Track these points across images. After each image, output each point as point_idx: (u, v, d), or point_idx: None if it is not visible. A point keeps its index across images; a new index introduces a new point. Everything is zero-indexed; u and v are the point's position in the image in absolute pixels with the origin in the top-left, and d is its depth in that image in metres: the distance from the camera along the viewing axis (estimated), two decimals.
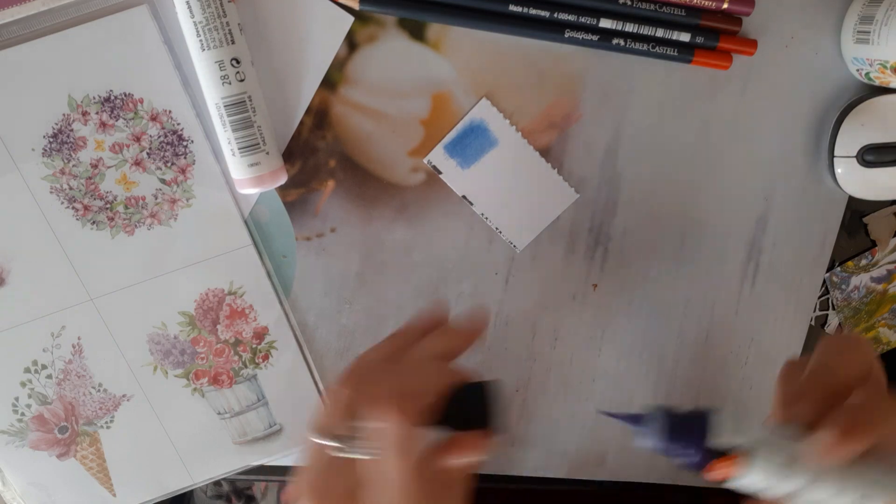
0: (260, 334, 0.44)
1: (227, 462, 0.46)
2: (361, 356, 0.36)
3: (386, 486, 0.31)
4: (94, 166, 0.40)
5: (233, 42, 0.37)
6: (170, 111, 0.39)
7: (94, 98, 0.39)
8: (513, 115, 0.42)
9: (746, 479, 0.31)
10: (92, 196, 0.40)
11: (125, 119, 0.39)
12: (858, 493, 0.30)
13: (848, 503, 0.30)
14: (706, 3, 0.40)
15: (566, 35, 0.40)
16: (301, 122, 0.41)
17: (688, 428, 0.32)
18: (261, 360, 0.45)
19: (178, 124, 0.40)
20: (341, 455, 0.32)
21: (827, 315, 0.50)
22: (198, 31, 0.36)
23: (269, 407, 0.45)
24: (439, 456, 0.32)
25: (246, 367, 0.45)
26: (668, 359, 0.46)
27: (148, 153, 0.40)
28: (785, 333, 0.46)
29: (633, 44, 0.40)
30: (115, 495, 0.45)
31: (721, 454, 0.31)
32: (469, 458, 0.33)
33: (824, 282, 0.49)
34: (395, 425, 0.30)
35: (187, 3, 0.36)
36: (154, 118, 0.39)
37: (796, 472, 0.30)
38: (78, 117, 0.39)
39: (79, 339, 0.43)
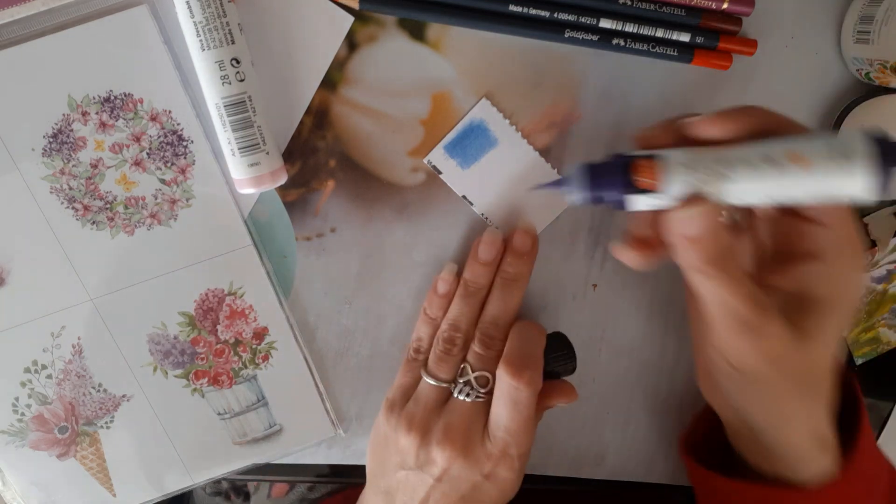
0: (260, 334, 0.44)
1: (227, 462, 0.46)
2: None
3: (499, 429, 0.39)
4: (94, 166, 0.40)
5: (233, 42, 0.37)
6: (170, 111, 0.39)
7: (93, 98, 0.39)
8: (513, 115, 0.42)
9: (666, 178, 0.32)
10: (92, 196, 0.40)
11: (125, 119, 0.39)
12: (757, 163, 0.31)
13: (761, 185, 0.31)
14: (706, 4, 0.40)
15: (566, 35, 0.40)
16: (301, 122, 0.41)
17: (609, 169, 0.34)
18: (261, 361, 0.45)
19: (178, 124, 0.40)
20: (459, 396, 0.40)
21: None
22: (198, 31, 0.36)
23: (269, 407, 0.45)
24: (542, 401, 0.41)
25: (246, 367, 0.45)
26: (669, 358, 0.46)
27: (148, 153, 0.40)
28: None
29: (633, 44, 0.40)
30: (115, 495, 0.45)
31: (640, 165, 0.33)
32: (567, 402, 0.43)
33: None
34: (526, 388, 0.38)
35: (187, 2, 0.36)
36: (154, 118, 0.39)
37: (701, 161, 0.32)
38: (78, 117, 0.39)
39: (79, 339, 0.43)
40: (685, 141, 0.34)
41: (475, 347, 0.41)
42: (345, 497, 0.53)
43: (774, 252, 0.37)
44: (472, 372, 0.41)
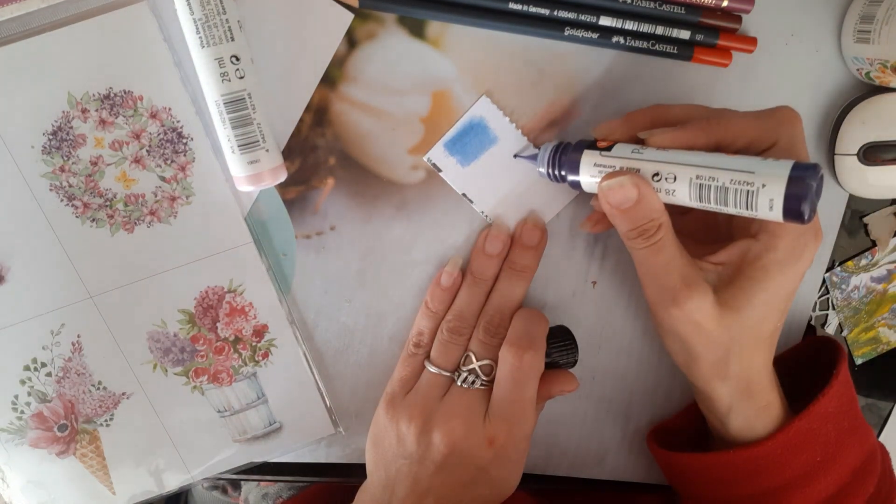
0: (260, 332, 0.44)
1: (226, 460, 0.46)
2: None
3: (500, 410, 0.40)
4: (94, 164, 0.40)
5: (232, 39, 0.37)
6: (169, 108, 0.39)
7: (93, 95, 0.39)
8: (513, 112, 0.42)
9: (611, 154, 0.37)
10: (91, 193, 0.40)
11: (125, 116, 0.39)
12: (698, 170, 0.33)
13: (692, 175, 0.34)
14: (706, 1, 0.40)
15: (566, 33, 0.40)
16: (300, 120, 0.41)
17: (568, 151, 0.39)
18: (260, 358, 0.45)
19: (178, 121, 0.40)
20: (462, 385, 0.41)
21: (827, 315, 0.50)
22: (197, 28, 0.36)
23: (269, 405, 0.45)
24: (543, 390, 0.42)
25: (245, 364, 0.44)
26: (668, 355, 0.46)
27: (147, 150, 0.40)
28: (784, 332, 0.46)
29: (632, 41, 0.40)
30: (114, 493, 0.45)
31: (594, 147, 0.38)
32: (568, 391, 0.43)
33: (824, 281, 0.49)
34: (528, 368, 0.39)
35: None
36: (154, 115, 0.39)
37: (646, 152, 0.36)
38: (77, 114, 0.39)
39: (78, 336, 0.43)
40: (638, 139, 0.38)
41: (479, 335, 0.42)
42: (311, 494, 0.53)
43: (719, 229, 0.39)
44: (477, 360, 0.41)
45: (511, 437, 0.39)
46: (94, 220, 0.41)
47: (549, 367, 0.42)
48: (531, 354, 0.39)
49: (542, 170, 0.40)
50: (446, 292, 0.43)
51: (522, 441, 0.40)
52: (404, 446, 0.40)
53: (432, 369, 0.42)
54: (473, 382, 0.41)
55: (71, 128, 0.39)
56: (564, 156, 0.39)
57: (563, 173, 0.39)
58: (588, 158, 0.37)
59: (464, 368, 0.41)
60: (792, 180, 0.30)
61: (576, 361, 0.44)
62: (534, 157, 0.41)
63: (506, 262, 0.43)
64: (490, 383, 0.41)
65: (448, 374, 0.42)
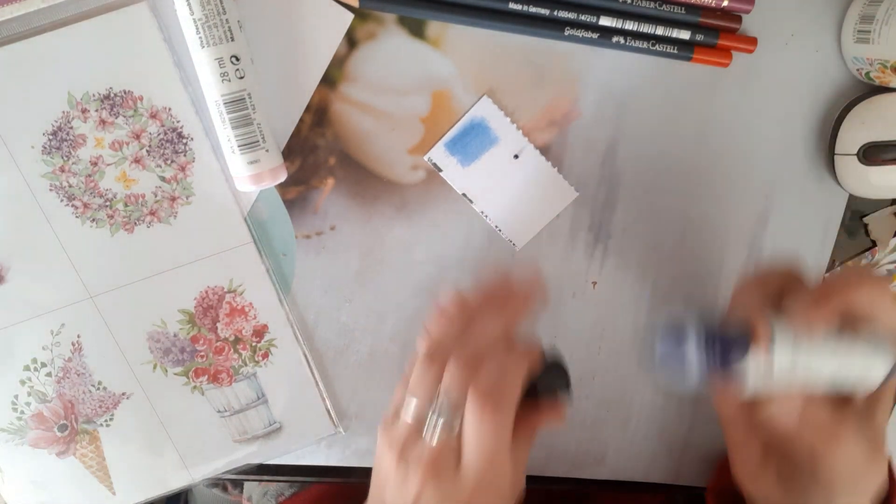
0: (260, 332, 0.44)
1: (226, 460, 0.46)
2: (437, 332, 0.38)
3: (468, 459, 0.35)
4: (94, 164, 0.40)
5: (232, 39, 0.37)
6: (169, 108, 0.39)
7: (93, 95, 0.39)
8: (513, 112, 0.42)
9: (775, 351, 0.34)
10: (91, 194, 0.40)
11: (125, 116, 0.39)
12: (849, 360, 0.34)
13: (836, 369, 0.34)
14: (706, 1, 0.40)
15: (566, 33, 0.40)
16: (301, 120, 0.41)
17: (733, 343, 0.35)
18: (260, 358, 0.45)
19: (178, 122, 0.40)
20: (434, 426, 0.36)
21: None
22: (197, 28, 0.36)
23: (269, 405, 0.45)
24: (527, 422, 0.37)
25: (246, 365, 0.44)
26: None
27: (148, 150, 0.40)
28: None
29: (632, 42, 0.40)
30: (114, 493, 0.45)
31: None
32: (553, 425, 0.38)
33: None
34: (490, 421, 0.34)
35: (187, 0, 0.36)
36: (154, 115, 0.39)
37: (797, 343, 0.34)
38: (77, 115, 0.39)
39: (78, 337, 0.43)
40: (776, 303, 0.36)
41: (452, 370, 0.37)
42: (312, 493, 0.52)
43: None
44: (449, 406, 0.36)
45: (483, 485, 0.35)
46: (94, 220, 0.41)
47: (538, 397, 0.38)
48: (493, 405, 0.35)
49: (695, 358, 0.35)
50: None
51: (500, 490, 0.36)
52: (390, 482, 0.37)
53: (412, 406, 0.37)
54: (444, 428, 0.36)
55: (71, 128, 0.39)
56: (728, 353, 0.35)
57: (726, 367, 0.35)
58: (755, 363, 0.34)
59: (432, 416, 0.36)
60: None
61: (567, 397, 0.39)
62: (677, 346, 0.36)
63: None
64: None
65: (427, 412, 0.37)
